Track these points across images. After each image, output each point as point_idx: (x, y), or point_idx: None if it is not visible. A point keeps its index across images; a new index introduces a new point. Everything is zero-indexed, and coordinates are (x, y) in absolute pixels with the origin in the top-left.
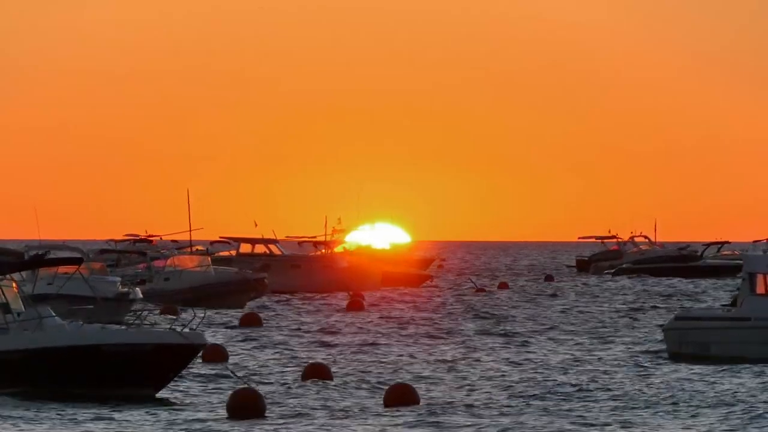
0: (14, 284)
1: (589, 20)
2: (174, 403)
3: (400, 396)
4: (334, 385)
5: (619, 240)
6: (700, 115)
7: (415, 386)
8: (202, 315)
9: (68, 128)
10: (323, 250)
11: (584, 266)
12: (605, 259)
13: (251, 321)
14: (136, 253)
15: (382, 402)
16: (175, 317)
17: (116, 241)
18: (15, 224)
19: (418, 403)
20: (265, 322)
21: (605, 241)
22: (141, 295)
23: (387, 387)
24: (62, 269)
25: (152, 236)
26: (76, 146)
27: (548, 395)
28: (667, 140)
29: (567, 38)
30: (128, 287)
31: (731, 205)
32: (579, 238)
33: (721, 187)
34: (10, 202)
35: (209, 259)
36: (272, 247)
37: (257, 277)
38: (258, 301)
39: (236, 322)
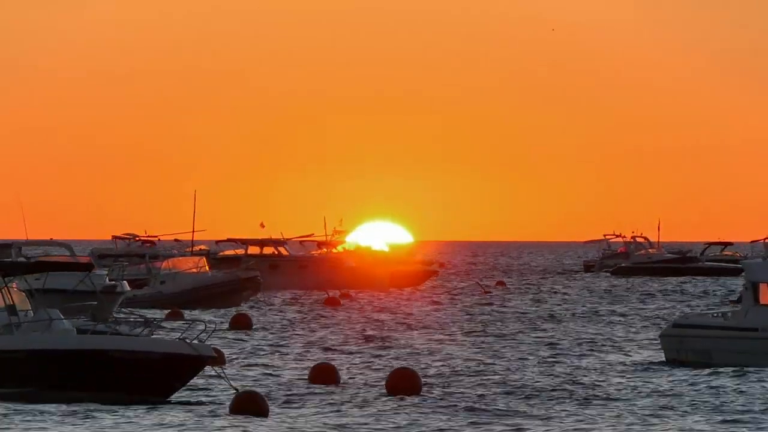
0: (14, 285)
1: (590, 21)
2: (177, 407)
3: (403, 380)
4: (338, 381)
5: (627, 241)
6: (702, 116)
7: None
8: (213, 327)
9: (68, 128)
10: (325, 250)
11: (591, 267)
12: (612, 261)
13: (241, 323)
14: (135, 256)
15: (384, 388)
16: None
17: (117, 238)
18: (8, 224)
19: (420, 387)
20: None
21: (612, 241)
22: (128, 288)
23: (389, 372)
24: None
25: (151, 237)
26: (77, 146)
27: (536, 400)
28: (670, 141)
29: (570, 39)
30: (115, 281)
31: (734, 206)
32: (586, 241)
33: (723, 188)
34: (7, 202)
35: (205, 260)
36: (280, 248)
37: (250, 276)
38: (250, 301)
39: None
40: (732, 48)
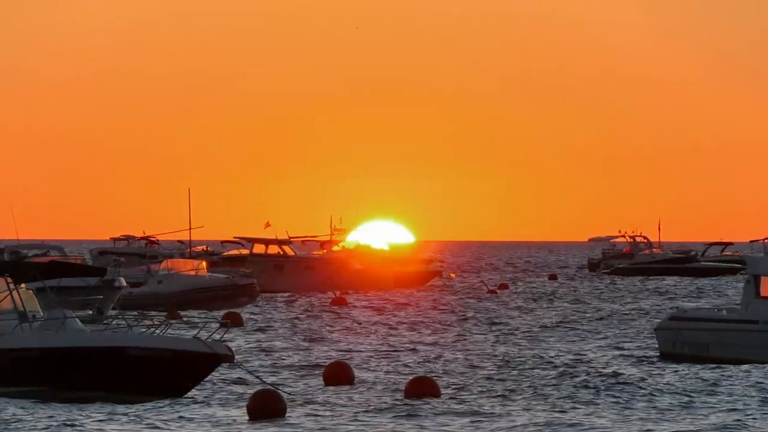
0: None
1: (592, 23)
2: (193, 405)
3: (421, 388)
4: (354, 382)
5: (631, 240)
6: (702, 116)
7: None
8: (226, 327)
9: (62, 129)
10: (325, 251)
11: (596, 267)
12: (617, 260)
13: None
14: (135, 255)
15: (402, 395)
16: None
17: (116, 240)
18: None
19: (439, 395)
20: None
21: (616, 241)
22: (125, 283)
23: (408, 380)
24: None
25: (150, 237)
26: (72, 147)
27: (536, 395)
28: (670, 141)
29: (574, 39)
30: (112, 275)
31: (734, 206)
32: (589, 239)
33: (723, 188)
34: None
35: (204, 264)
36: (285, 247)
37: (246, 283)
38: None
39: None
40: (732, 48)
